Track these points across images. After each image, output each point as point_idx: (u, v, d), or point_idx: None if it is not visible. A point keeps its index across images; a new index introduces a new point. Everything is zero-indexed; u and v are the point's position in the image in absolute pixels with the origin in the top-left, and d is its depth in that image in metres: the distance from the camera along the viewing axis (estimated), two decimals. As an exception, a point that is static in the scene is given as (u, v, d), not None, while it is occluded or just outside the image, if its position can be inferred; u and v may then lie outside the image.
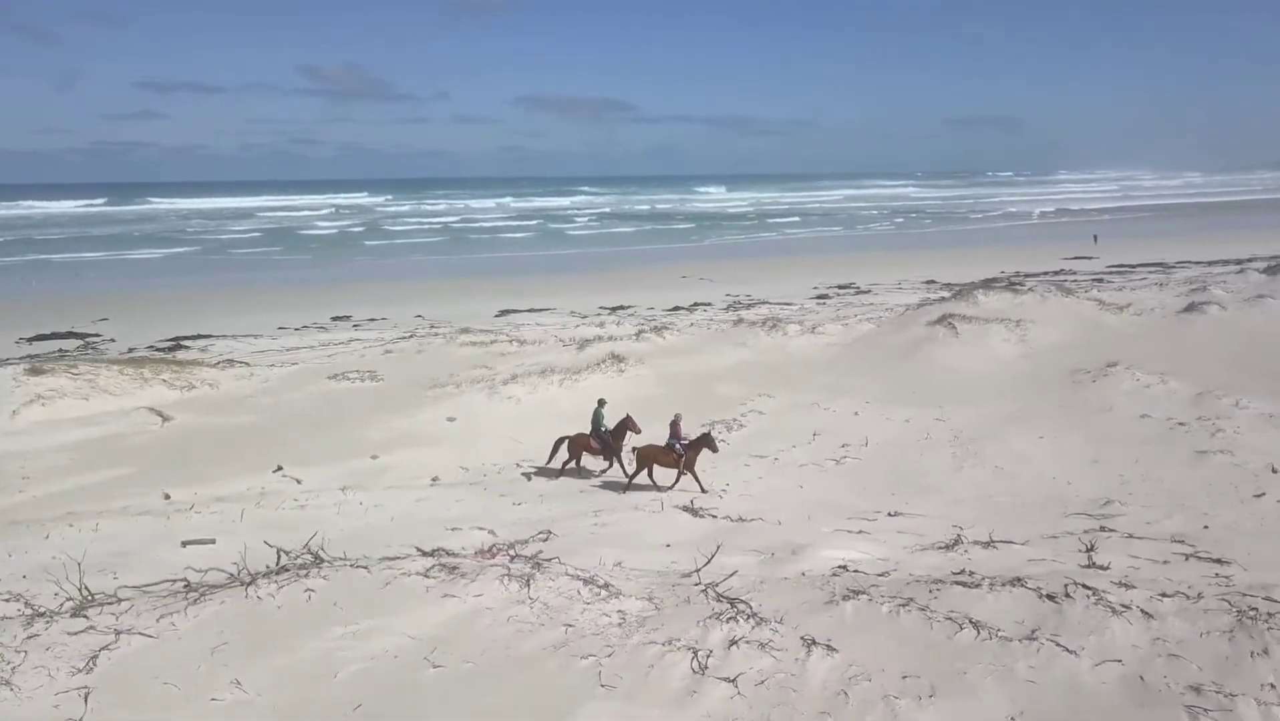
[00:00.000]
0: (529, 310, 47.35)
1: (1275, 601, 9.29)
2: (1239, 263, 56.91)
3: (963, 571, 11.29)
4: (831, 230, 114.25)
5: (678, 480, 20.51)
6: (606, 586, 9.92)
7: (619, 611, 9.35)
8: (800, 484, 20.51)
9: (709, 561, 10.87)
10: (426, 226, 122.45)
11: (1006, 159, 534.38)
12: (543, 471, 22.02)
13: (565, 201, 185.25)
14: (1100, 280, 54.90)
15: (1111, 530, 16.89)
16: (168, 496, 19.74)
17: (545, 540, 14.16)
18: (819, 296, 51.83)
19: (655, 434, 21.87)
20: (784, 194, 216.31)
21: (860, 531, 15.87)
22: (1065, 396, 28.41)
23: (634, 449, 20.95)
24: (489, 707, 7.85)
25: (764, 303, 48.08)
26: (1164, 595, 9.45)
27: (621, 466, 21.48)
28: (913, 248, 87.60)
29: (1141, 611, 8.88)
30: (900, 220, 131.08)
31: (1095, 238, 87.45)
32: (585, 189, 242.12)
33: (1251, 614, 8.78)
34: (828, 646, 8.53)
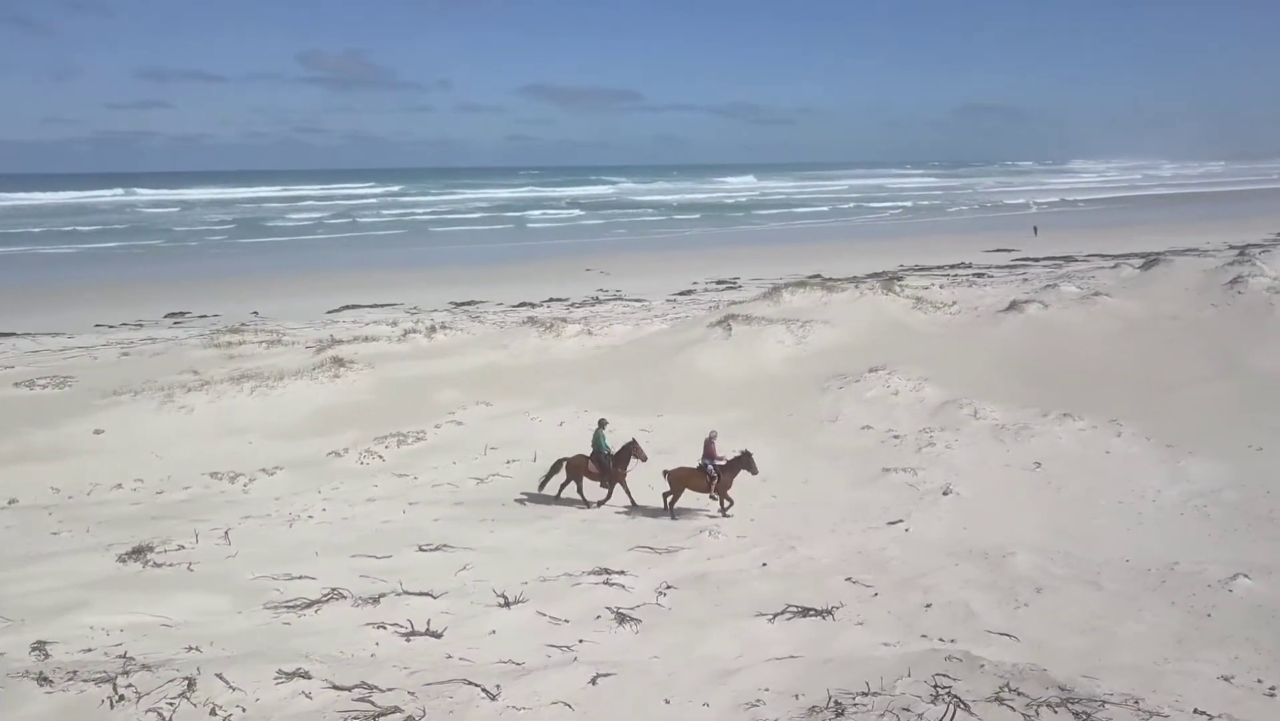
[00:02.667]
0: (370, 305, 46.39)
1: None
2: (1146, 255, 54.72)
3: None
4: (788, 221, 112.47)
5: (724, 503, 19.66)
6: None
7: None
8: (403, 509, 19.33)
9: None
10: (385, 219, 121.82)
11: (1028, 148, 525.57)
12: (536, 498, 20.39)
13: (550, 193, 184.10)
14: (981, 274, 53.14)
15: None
16: None
17: None
18: (684, 292, 50.46)
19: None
20: (779, 183, 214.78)
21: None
22: (802, 404, 27.03)
23: (665, 471, 19.66)
24: None
25: (616, 299, 46.74)
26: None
27: (627, 493, 20.11)
28: (855, 239, 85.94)
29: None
30: (872, 210, 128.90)
31: (1035, 229, 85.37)
32: (569, 178, 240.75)
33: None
34: None
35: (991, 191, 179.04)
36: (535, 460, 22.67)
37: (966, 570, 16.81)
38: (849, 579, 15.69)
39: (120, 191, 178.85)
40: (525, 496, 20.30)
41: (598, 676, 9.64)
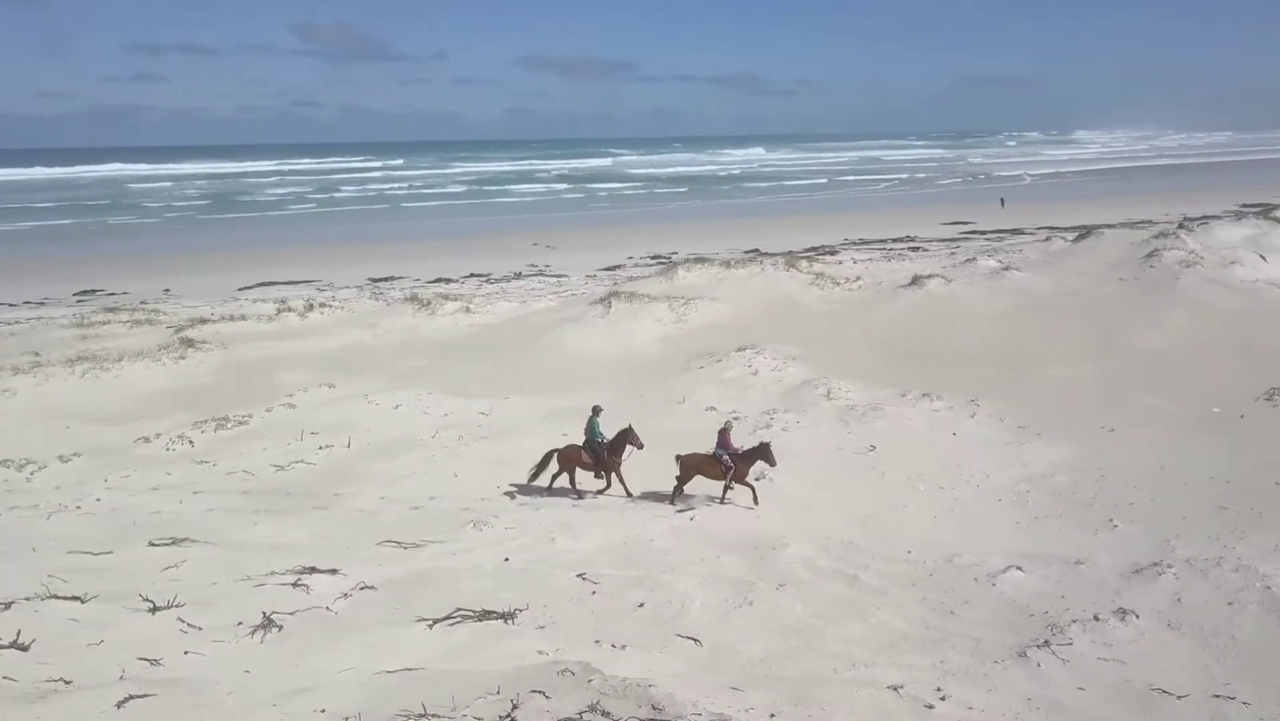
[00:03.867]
0: (286, 283, 45.79)
1: None
2: (1089, 228, 53.45)
3: None
4: (775, 195, 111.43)
5: (725, 494, 19.04)
6: None
7: None
8: (181, 500, 18.73)
9: None
10: (364, 194, 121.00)
11: (1035, 119, 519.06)
12: (527, 490, 19.55)
13: (543, 165, 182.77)
14: (918, 248, 52.18)
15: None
16: None
17: None
18: (611, 267, 49.65)
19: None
20: (784, 155, 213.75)
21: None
22: (657, 385, 26.36)
23: (677, 456, 18.91)
24: None
25: (539, 274, 46.04)
26: None
27: (622, 483, 19.38)
28: (825, 212, 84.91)
29: None
30: (862, 184, 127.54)
31: (1002, 201, 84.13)
32: (568, 150, 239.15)
33: None
34: None
35: (986, 163, 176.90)
36: (349, 445, 22.04)
37: (725, 563, 16.18)
38: (581, 575, 15.03)
39: (112, 166, 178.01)
40: (510, 493, 19.53)
41: (129, 698, 9.03)
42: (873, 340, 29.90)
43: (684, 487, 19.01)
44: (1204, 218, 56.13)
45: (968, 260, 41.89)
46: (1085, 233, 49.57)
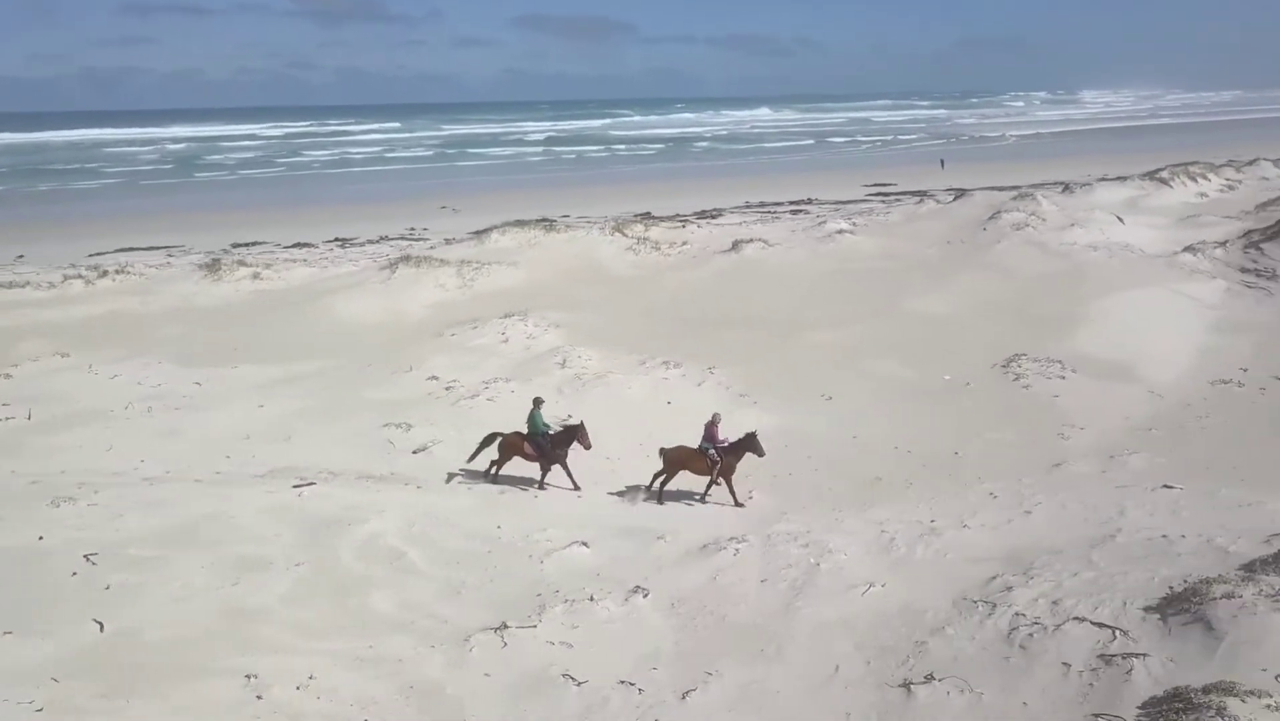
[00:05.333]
0: (146, 248, 45.33)
1: None
2: (965, 191, 52.32)
3: None
4: (746, 157, 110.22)
5: (709, 489, 18.37)
6: None
7: None
8: None
9: None
10: (319, 158, 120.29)
11: (1041, 78, 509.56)
12: (469, 473, 19.14)
13: (532, 126, 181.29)
14: (799, 211, 51.32)
15: None
16: None
17: None
18: (481, 231, 48.76)
19: None
20: (784, 115, 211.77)
21: None
22: (396, 354, 25.90)
23: (661, 450, 18.37)
24: None
25: (401, 239, 45.44)
26: None
27: (569, 475, 18.77)
28: (768, 174, 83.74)
29: None
30: (838, 145, 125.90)
31: (942, 163, 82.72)
32: (567, 112, 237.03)
33: None
34: None
35: (977, 124, 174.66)
36: (30, 417, 21.67)
37: (286, 539, 15.67)
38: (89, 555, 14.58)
39: (91, 131, 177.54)
40: (460, 471, 19.01)
41: None
42: (658, 307, 29.31)
43: (668, 483, 18.27)
44: (1119, 178, 54.85)
45: (819, 223, 40.98)
46: (960, 194, 48.56)
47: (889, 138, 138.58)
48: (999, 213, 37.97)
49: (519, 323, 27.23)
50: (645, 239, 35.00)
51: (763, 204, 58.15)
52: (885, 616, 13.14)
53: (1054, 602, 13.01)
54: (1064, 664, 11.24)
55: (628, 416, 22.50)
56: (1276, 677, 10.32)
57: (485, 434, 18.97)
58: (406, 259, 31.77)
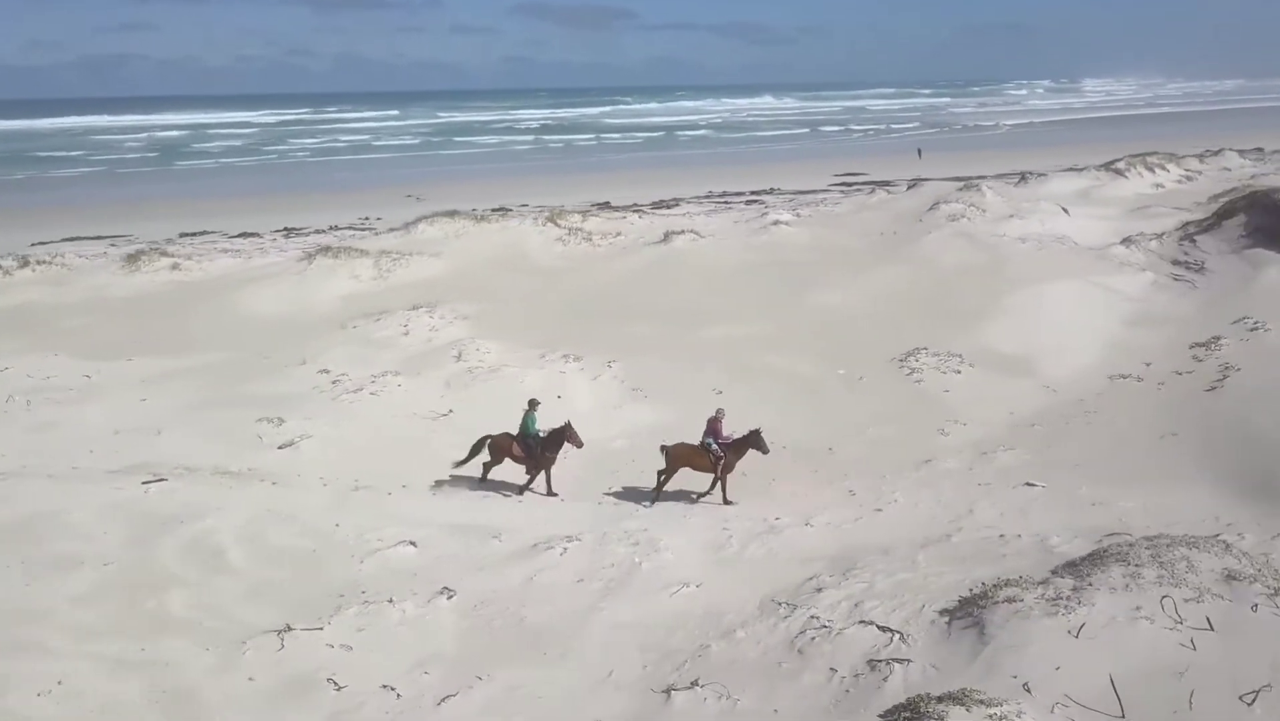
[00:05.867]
0: (94, 237, 45.19)
1: None
2: (921, 180, 51.84)
3: None
4: (732, 146, 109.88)
5: (713, 487, 17.98)
6: None
7: None
8: None
9: None
10: (304, 146, 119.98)
11: (1045, 67, 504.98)
12: (456, 479, 18.81)
13: (529, 114, 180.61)
14: (754, 201, 50.92)
15: None
16: None
17: None
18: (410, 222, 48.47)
19: None
20: (786, 103, 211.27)
21: None
22: (292, 346, 25.62)
23: (663, 447, 17.98)
24: None
25: (349, 229, 45.26)
26: None
27: (548, 481, 18.42)
28: (741, 164, 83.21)
29: None
30: (827, 134, 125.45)
31: (919, 152, 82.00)
32: (567, 100, 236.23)
33: None
34: None
35: (972, 112, 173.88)
36: None
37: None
38: None
39: (83, 119, 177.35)
40: (450, 476, 18.81)
41: None
42: (576, 299, 29.11)
43: (668, 482, 17.94)
44: (1086, 168, 54.20)
45: (762, 214, 40.64)
46: (915, 184, 48.18)
47: (882, 126, 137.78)
48: (938, 203, 37.60)
49: (425, 315, 27.05)
50: (579, 230, 34.75)
51: (725, 194, 57.78)
52: (686, 618, 12.96)
53: (856, 605, 12.83)
54: (831, 669, 11.07)
55: (514, 411, 22.24)
56: (1025, 686, 10.08)
57: (475, 439, 18.57)
58: (326, 250, 31.56)
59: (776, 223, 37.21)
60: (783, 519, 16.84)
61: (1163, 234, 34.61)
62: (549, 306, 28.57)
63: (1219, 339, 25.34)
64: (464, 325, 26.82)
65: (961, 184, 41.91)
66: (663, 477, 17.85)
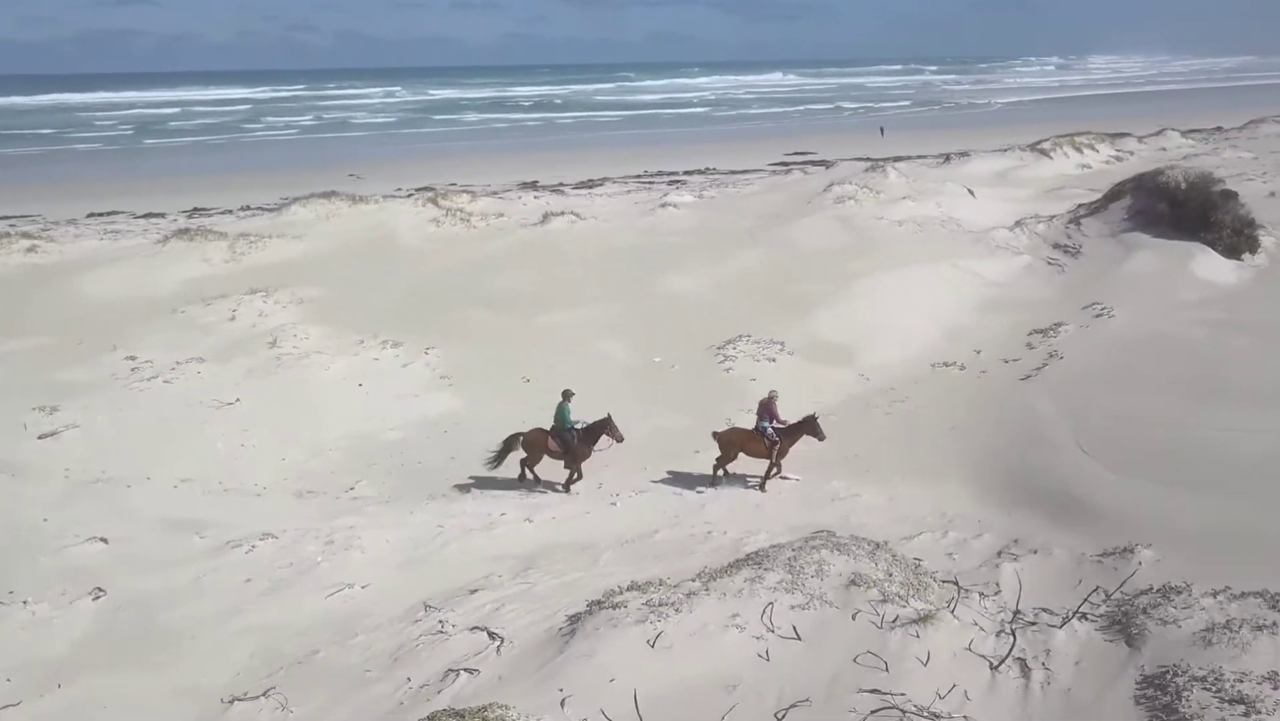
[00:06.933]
0: (17, 216, 44.93)
1: None
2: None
3: None
4: (714, 124, 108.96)
5: (770, 473, 17.37)
6: None
7: None
8: None
9: None
10: (282, 124, 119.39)
11: (1054, 42, 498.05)
12: (484, 482, 18.03)
13: (524, 91, 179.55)
14: (677, 182, 50.08)
15: None
16: None
17: None
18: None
19: None
20: (795, 79, 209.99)
21: None
22: (109, 334, 25.11)
23: (715, 433, 17.55)
24: None
25: (262, 210, 44.75)
26: None
27: (577, 476, 17.68)
28: (710, 141, 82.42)
29: None
30: (815, 111, 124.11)
31: (882, 130, 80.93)
32: (568, 77, 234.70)
33: None
34: None
35: (967, 89, 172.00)
36: None
37: None
38: None
39: (67, 96, 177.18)
40: (472, 479, 18.12)
41: None
42: (426, 283, 28.61)
43: (726, 468, 17.46)
44: (1011, 148, 53.22)
45: (663, 195, 39.99)
46: (829, 165, 47.41)
47: (871, 104, 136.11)
48: (833, 185, 36.81)
49: (260, 299, 26.56)
50: (459, 211, 34.12)
51: (660, 173, 57.08)
52: (326, 621, 12.53)
53: (498, 608, 12.42)
54: (407, 678, 10.56)
55: (307, 400, 21.84)
56: (563, 700, 9.59)
57: (504, 437, 17.86)
58: (183, 231, 31.09)
59: (665, 205, 36.53)
60: (507, 514, 16.35)
61: (1053, 217, 33.74)
62: (394, 291, 28.03)
63: (1061, 325, 24.68)
64: (297, 310, 26.28)
65: (869, 165, 40.95)
66: (719, 463, 17.24)
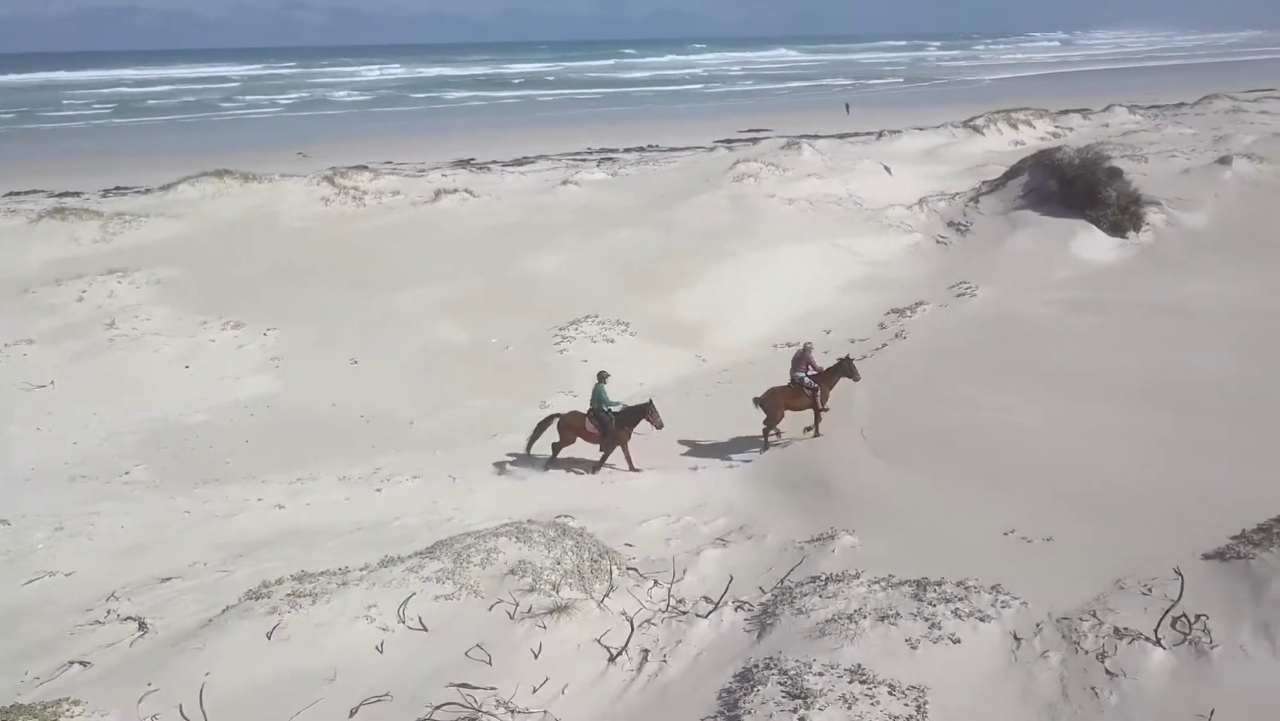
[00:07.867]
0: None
1: None
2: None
3: None
4: (692, 100, 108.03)
5: (817, 422, 16.82)
6: None
7: None
8: None
9: None
10: (261, 102, 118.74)
11: (1062, 17, 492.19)
12: (521, 461, 17.26)
13: (519, 68, 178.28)
14: (611, 158, 49.43)
15: None
16: None
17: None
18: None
19: None
20: (789, 55, 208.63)
21: None
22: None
23: (755, 399, 16.91)
24: None
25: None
26: None
27: (628, 457, 16.78)
28: (675, 118, 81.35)
29: None
30: (805, 87, 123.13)
31: (847, 107, 79.86)
32: (569, 54, 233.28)
33: None
34: None
35: (962, 65, 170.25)
36: None
37: None
38: None
39: (55, 73, 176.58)
40: (510, 457, 17.47)
41: None
42: (288, 264, 28.05)
43: (777, 428, 16.92)
44: (944, 125, 52.18)
45: (575, 173, 39.37)
46: (755, 141, 46.66)
47: (860, 80, 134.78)
48: (738, 162, 36.12)
49: (115, 280, 26.09)
50: (353, 189, 33.55)
51: (600, 150, 56.27)
52: (10, 611, 12.06)
53: (177, 598, 11.93)
54: (26, 670, 10.11)
55: (125, 383, 21.40)
56: (141, 699, 9.15)
57: (541, 417, 17.29)
58: (57, 211, 30.59)
59: (566, 183, 35.86)
60: (264, 500, 15.86)
61: (956, 194, 33.07)
62: (254, 271, 27.51)
63: (921, 304, 24.13)
64: (151, 290, 25.83)
65: (785, 142, 40.19)
66: (766, 426, 16.72)
